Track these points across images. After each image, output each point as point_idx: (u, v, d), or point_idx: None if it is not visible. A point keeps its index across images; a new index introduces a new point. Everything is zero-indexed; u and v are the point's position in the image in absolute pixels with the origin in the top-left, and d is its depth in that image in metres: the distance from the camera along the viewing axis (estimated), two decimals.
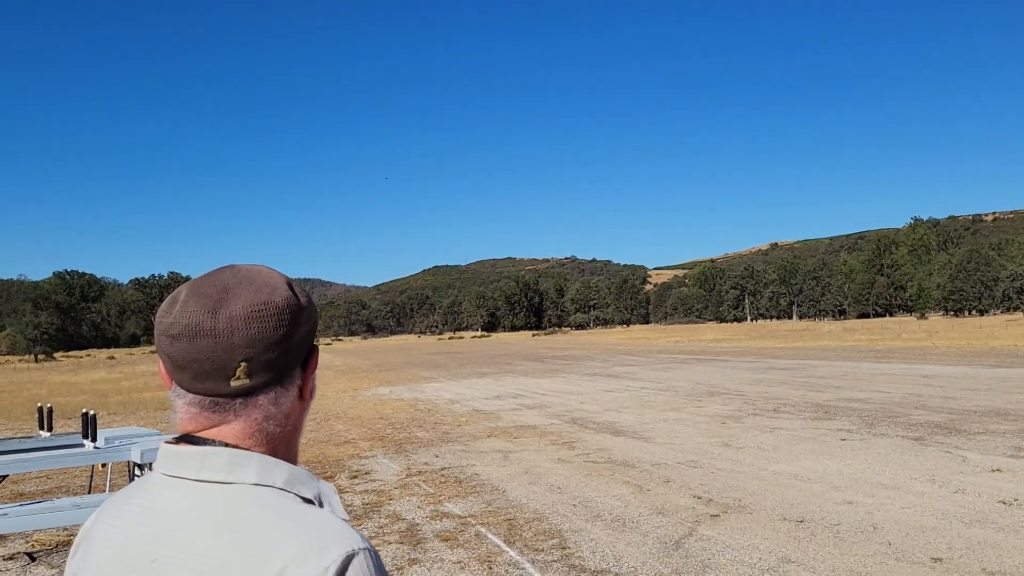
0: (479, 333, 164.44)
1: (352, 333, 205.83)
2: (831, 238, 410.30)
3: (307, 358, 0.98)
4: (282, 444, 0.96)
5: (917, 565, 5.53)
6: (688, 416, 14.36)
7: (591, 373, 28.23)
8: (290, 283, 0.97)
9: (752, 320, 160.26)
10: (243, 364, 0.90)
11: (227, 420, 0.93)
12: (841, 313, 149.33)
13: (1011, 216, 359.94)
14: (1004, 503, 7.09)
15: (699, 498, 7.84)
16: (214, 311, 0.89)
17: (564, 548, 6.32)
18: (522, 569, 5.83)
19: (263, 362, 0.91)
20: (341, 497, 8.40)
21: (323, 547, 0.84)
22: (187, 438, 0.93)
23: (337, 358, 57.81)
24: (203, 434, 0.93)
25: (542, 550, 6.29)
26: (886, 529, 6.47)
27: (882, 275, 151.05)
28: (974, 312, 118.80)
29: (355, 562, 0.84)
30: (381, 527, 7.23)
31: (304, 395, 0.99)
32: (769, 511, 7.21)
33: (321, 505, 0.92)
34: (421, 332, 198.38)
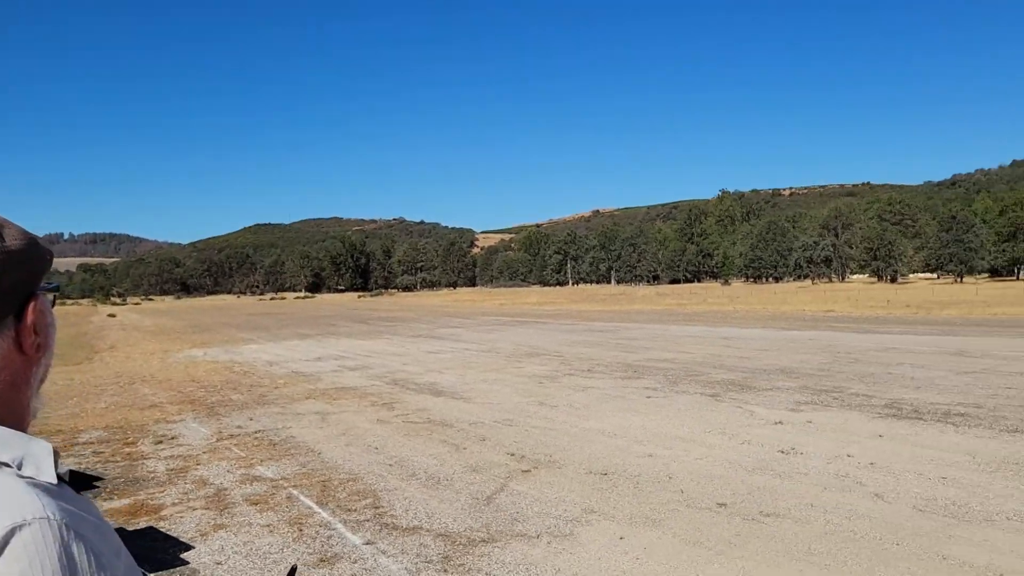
0: (303, 294, 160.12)
1: (164, 292, 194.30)
2: (648, 207, 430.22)
3: (23, 307, 0.90)
4: None
5: (704, 510, 6.01)
6: (508, 376, 14.73)
7: (415, 335, 28.27)
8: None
9: (574, 284, 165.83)
10: None
11: None
12: (655, 278, 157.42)
13: (805, 192, 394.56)
14: (783, 452, 7.81)
15: (512, 455, 8.10)
16: None
17: (377, 507, 6.34)
18: (333, 529, 5.81)
19: None
20: (143, 464, 8.03)
21: None
22: None
23: (147, 319, 54.51)
24: None
25: (355, 510, 6.29)
26: (680, 478, 6.97)
27: (692, 243, 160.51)
28: (771, 279, 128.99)
29: (23, 534, 0.74)
30: (186, 493, 6.96)
31: (25, 348, 0.90)
32: (576, 465, 7.56)
33: (21, 468, 0.82)
34: (241, 292, 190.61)
